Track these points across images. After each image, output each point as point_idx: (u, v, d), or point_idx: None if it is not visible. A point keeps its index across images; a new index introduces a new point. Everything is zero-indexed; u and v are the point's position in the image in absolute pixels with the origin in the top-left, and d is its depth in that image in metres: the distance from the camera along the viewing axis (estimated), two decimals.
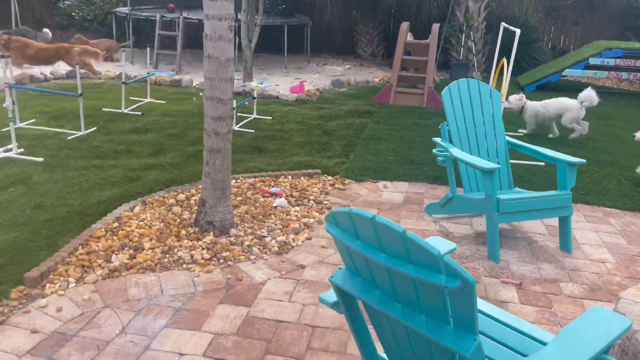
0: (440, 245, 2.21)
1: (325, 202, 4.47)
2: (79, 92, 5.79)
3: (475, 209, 3.83)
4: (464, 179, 4.07)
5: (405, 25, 8.81)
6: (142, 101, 7.54)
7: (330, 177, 5.07)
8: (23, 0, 14.75)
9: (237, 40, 10.15)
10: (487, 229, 3.60)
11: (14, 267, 3.13)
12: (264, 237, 3.77)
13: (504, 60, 5.86)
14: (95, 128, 6.13)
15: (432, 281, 1.41)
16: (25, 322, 2.69)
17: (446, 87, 4.20)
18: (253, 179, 4.81)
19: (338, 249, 1.75)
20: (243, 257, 3.49)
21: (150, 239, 3.58)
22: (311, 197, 4.53)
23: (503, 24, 6.33)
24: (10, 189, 4.26)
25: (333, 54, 13.75)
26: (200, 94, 8.57)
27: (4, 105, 5.04)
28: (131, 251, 3.43)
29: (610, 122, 7.94)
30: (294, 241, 3.75)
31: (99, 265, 3.25)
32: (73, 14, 13.31)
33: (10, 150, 5.05)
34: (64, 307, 2.83)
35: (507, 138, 4.24)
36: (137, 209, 4.02)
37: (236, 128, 6.50)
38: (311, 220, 4.09)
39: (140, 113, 6.96)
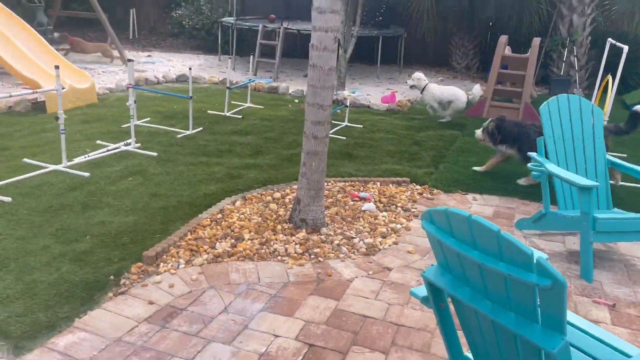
0: None
1: (412, 209, 4.57)
2: (190, 94, 6.32)
3: (569, 227, 3.77)
4: (558, 195, 4.01)
5: (503, 38, 8.68)
6: (242, 105, 8.03)
7: (418, 186, 5.16)
8: (141, 10, 16.13)
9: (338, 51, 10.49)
10: (581, 248, 3.54)
11: (134, 246, 3.54)
12: (353, 238, 3.95)
13: (609, 77, 5.66)
14: (201, 128, 6.63)
15: (523, 279, 1.51)
16: (143, 294, 3.05)
17: (545, 102, 4.17)
18: (343, 183, 5.02)
19: (432, 245, 1.89)
20: (332, 254, 3.69)
21: (250, 231, 3.88)
22: (399, 204, 4.64)
23: (610, 40, 6.10)
24: (130, 178, 4.76)
25: (426, 66, 13.72)
26: (296, 100, 8.96)
27: (127, 104, 5.62)
28: (233, 240, 3.74)
29: None
30: (381, 244, 3.90)
31: (205, 251, 3.58)
32: (183, 22, 14.31)
33: (129, 144, 5.62)
34: (176, 285, 3.17)
35: (608, 157, 4.12)
36: (238, 204, 4.36)
37: (330, 135, 6.75)
38: (398, 226, 4.21)
39: (240, 116, 7.43)
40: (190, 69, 6.46)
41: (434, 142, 6.79)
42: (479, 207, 4.78)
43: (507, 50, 8.94)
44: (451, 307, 2.02)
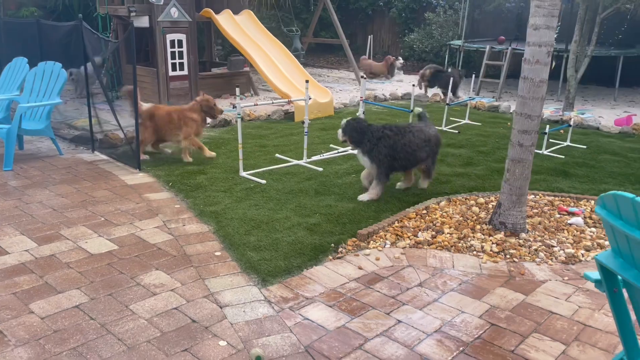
0: None
1: None
2: (411, 108, 6.97)
3: None
4: None
5: None
6: (460, 122, 8.39)
7: None
8: (377, 36, 17.61)
9: (563, 69, 10.10)
10: None
11: (351, 225, 4.26)
12: (553, 246, 4.04)
13: None
14: None
15: None
16: (354, 261, 3.73)
17: None
18: (552, 197, 5.04)
19: (605, 229, 2.09)
20: (529, 258, 3.87)
21: (450, 227, 4.29)
22: None
23: None
24: (353, 175, 5.58)
25: None
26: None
27: (357, 114, 6.52)
28: (433, 232, 4.20)
29: None
30: (582, 256, 3.91)
31: (408, 237, 4.12)
32: (414, 46, 15.22)
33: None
34: (381, 259, 3.77)
35: None
36: (442, 204, 4.80)
37: (546, 152, 6.70)
38: (607, 242, 4.13)
39: (457, 131, 7.81)
40: (414, 86, 7.11)
41: None
42: None
43: None
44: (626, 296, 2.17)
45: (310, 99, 6.43)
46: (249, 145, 6.77)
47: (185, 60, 9.27)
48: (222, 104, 9.58)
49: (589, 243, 4.10)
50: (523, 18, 13.64)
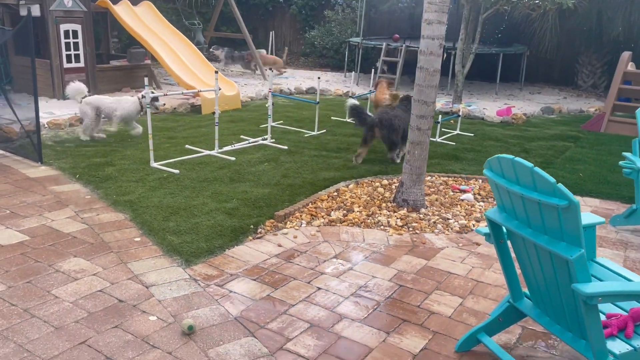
0: (590, 218, 2.76)
1: None
2: (317, 100, 7.28)
3: None
4: None
5: (626, 54, 8.61)
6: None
7: None
8: (279, 31, 17.85)
9: (451, 65, 10.98)
10: None
11: (267, 209, 4.46)
12: (448, 219, 4.53)
13: None
14: (325, 130, 7.56)
15: (549, 202, 2.08)
16: (273, 240, 3.94)
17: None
18: (446, 178, 5.58)
19: (491, 188, 2.48)
20: (428, 229, 4.31)
21: (359, 206, 4.63)
22: None
23: None
24: (265, 164, 5.77)
25: (550, 84, 13.60)
26: None
27: (266, 105, 6.71)
28: (344, 211, 4.52)
29: None
30: (474, 226, 4.42)
31: (322, 216, 4.40)
32: (315, 42, 15.65)
33: (266, 139, 6.69)
34: (298, 237, 4.02)
35: None
36: (351, 186, 5.15)
37: (439, 140, 7.32)
38: None
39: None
40: (319, 78, 7.43)
41: (543, 151, 7.04)
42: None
43: (631, 67, 8.81)
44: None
45: (220, 89, 6.51)
46: (158, 137, 6.71)
47: (81, 52, 8.89)
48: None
49: (478, 215, 4.64)
50: (415, 17, 14.58)
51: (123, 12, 9.18)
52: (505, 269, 2.66)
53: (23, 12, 8.18)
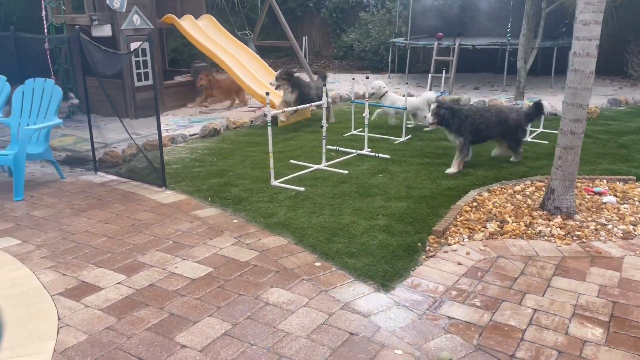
0: None
1: None
2: (405, 106, 7.16)
3: None
4: None
5: None
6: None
7: None
8: (308, 36, 17.74)
9: (506, 62, 10.80)
10: None
11: (419, 224, 4.33)
12: (605, 225, 4.38)
13: None
14: (410, 136, 7.43)
15: None
16: (448, 258, 3.81)
17: None
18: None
19: None
20: (593, 237, 4.17)
21: (510, 216, 4.50)
22: (636, 198, 4.96)
23: None
24: (380, 175, 5.65)
25: (597, 75, 13.41)
26: None
27: (363, 114, 6.59)
28: (498, 222, 4.39)
29: None
30: (634, 230, 4.28)
31: (479, 230, 4.27)
32: (354, 45, 15.53)
33: (362, 150, 6.56)
34: (470, 253, 3.89)
35: None
36: (485, 195, 5.02)
37: (529, 139, 7.19)
38: None
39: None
40: (407, 83, 7.29)
41: None
42: None
43: None
44: None
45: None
46: (256, 152, 6.61)
47: (149, 70, 8.80)
48: (188, 112, 9.23)
49: (632, 218, 4.50)
50: (461, 15, 14.44)
51: (189, 27, 9.08)
52: None
53: (95, 32, 8.09)
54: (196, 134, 7.42)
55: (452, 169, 5.73)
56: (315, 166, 5.93)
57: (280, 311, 3.07)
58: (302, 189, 5.17)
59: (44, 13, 8.12)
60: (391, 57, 13.89)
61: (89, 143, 6.84)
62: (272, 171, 5.36)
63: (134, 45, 8.49)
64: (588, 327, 2.97)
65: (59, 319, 2.92)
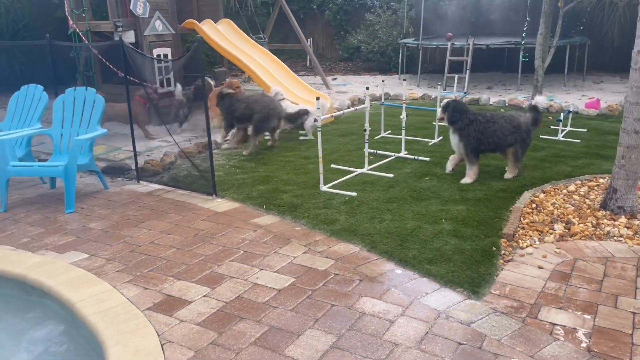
0: None
1: None
2: (437, 107, 7.12)
3: None
4: None
5: None
6: None
7: None
8: (311, 38, 17.67)
9: (520, 60, 10.80)
10: None
11: (485, 228, 4.29)
12: None
13: None
14: (441, 137, 7.40)
15: None
16: (527, 261, 3.76)
17: None
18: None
19: None
20: None
21: (574, 217, 4.47)
22: None
23: None
24: (427, 178, 5.60)
25: (609, 73, 13.50)
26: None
27: (400, 117, 6.53)
28: (564, 224, 4.35)
29: None
30: None
31: (547, 232, 4.23)
32: (362, 46, 15.49)
33: (399, 152, 6.51)
34: (547, 255, 3.84)
35: None
36: (541, 196, 4.98)
37: (562, 138, 7.19)
38: None
39: None
40: (439, 85, 7.26)
41: None
42: None
43: None
44: None
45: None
46: (293, 157, 6.54)
47: (172, 76, 8.69)
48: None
49: None
50: (474, 15, 14.48)
51: (210, 31, 8.98)
52: None
53: (118, 38, 7.96)
54: (227, 140, 7.33)
55: (467, 179, 5.41)
56: (359, 170, 5.87)
57: (380, 321, 3.00)
58: (354, 194, 5.11)
59: (70, 22, 7.98)
60: (400, 58, 13.87)
61: (121, 152, 6.74)
62: (321, 177, 5.29)
63: (155, 52, 8.39)
64: None
65: (158, 335, 2.82)
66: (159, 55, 8.42)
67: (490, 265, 3.67)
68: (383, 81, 7.61)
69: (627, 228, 4.28)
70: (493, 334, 2.89)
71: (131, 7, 7.85)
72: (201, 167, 5.63)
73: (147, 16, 8.09)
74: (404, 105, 6.56)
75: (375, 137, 7.47)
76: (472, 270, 3.59)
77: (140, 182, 5.66)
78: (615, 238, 4.15)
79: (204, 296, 3.27)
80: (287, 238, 4.15)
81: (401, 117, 6.54)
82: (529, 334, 2.90)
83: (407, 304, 3.20)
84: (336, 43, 17.46)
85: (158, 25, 8.33)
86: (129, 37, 8.04)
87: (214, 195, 5.12)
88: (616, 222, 4.37)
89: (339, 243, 4.05)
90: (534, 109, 5.63)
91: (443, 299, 3.26)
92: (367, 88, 6.08)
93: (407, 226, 4.33)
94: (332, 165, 6.09)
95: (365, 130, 5.85)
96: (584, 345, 2.80)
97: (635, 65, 4.27)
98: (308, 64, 16.88)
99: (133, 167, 5.82)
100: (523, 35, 11.29)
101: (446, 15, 14.60)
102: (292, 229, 4.33)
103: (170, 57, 8.60)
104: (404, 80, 7.10)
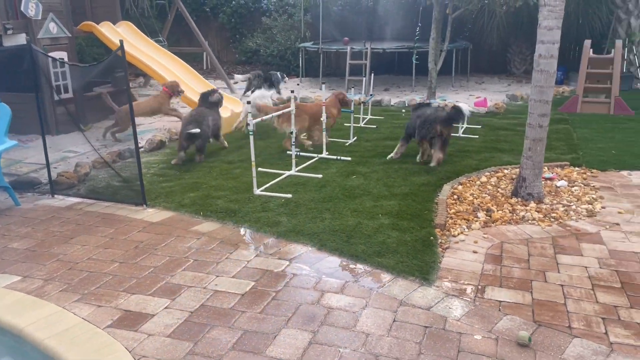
0: None
1: (593, 184, 5.59)
2: (352, 109, 7.43)
3: None
4: None
5: (588, 42, 9.78)
6: (365, 118, 9.09)
7: (577, 168, 6.17)
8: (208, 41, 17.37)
9: (413, 64, 11.53)
10: None
11: (419, 220, 4.58)
12: (569, 205, 4.98)
13: None
14: (356, 137, 7.71)
15: None
16: (462, 247, 4.10)
17: None
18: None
19: None
20: (566, 218, 4.72)
21: (492, 205, 4.92)
22: (579, 180, 5.67)
23: None
24: (354, 176, 5.82)
25: (488, 74, 14.82)
26: (403, 110, 10.05)
27: (321, 119, 6.71)
28: (485, 212, 4.79)
29: None
30: (594, 208, 4.91)
31: (473, 220, 4.62)
32: (261, 50, 15.52)
33: (321, 154, 6.69)
34: (478, 241, 4.21)
35: None
36: (460, 188, 5.41)
37: (462, 135, 7.83)
38: (593, 195, 5.24)
39: (375, 126, 8.52)
40: (354, 87, 7.53)
41: (555, 135, 7.80)
42: (638, 179, 5.77)
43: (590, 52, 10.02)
44: None
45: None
46: (217, 162, 6.45)
47: (69, 81, 8.12)
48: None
49: (586, 198, 5.15)
50: (368, 21, 15.08)
51: (109, 34, 8.51)
52: None
53: (8, 42, 7.28)
54: (141, 148, 7.01)
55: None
56: (288, 172, 5.95)
57: (348, 314, 3.12)
58: (290, 195, 5.18)
59: None
60: (301, 61, 14.14)
61: (23, 164, 6.20)
62: (254, 180, 5.29)
63: (52, 55, 7.78)
64: (610, 294, 3.41)
65: (129, 351, 2.69)
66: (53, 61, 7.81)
67: (432, 253, 3.95)
68: (298, 84, 7.76)
69: (538, 212, 4.80)
70: (452, 315, 3.13)
71: (22, 8, 7.23)
72: (121, 176, 5.35)
73: (39, 18, 7.49)
74: (324, 108, 6.74)
75: (294, 140, 7.57)
76: (418, 259, 3.84)
77: (55, 196, 5.26)
78: (529, 221, 4.65)
79: (165, 308, 3.17)
80: (234, 243, 4.12)
81: (322, 119, 6.72)
82: (482, 312, 3.18)
83: (368, 295, 3.35)
84: (232, 46, 17.32)
85: (52, 27, 7.74)
86: (20, 40, 7.38)
87: (144, 206, 4.92)
88: (528, 207, 4.89)
89: (288, 244, 4.10)
90: (456, 108, 6.23)
91: (399, 288, 3.45)
92: (292, 91, 6.16)
93: (348, 223, 4.49)
94: (260, 169, 6.09)
95: (291, 133, 5.94)
96: (529, 316, 3.13)
97: (537, 67, 4.80)
98: (205, 67, 16.56)
99: (44, 180, 5.39)
100: (416, 39, 12.05)
101: (343, 20, 15.12)
102: (237, 234, 4.31)
103: (66, 60, 8.02)
104: (298, 84, 7.32)
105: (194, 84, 8.80)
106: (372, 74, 9.89)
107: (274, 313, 3.12)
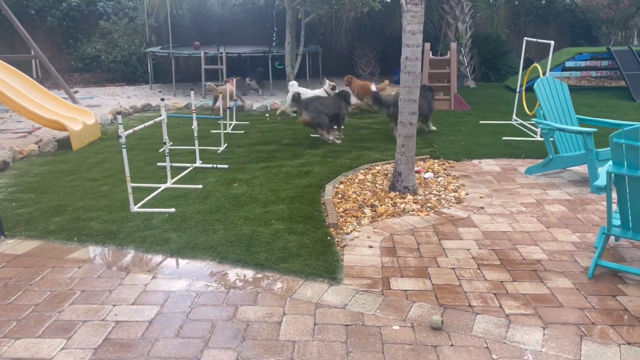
0: None
1: (453, 174, 6.18)
2: (221, 115, 7.25)
3: (575, 162, 5.68)
4: (559, 144, 5.93)
5: (427, 45, 10.77)
6: (231, 123, 8.97)
7: (436, 160, 6.78)
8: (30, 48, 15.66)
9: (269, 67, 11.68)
10: (589, 170, 5.43)
11: (311, 221, 4.63)
12: (440, 194, 5.44)
13: (536, 64, 7.87)
14: (227, 144, 7.56)
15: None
16: (359, 244, 4.24)
17: (536, 83, 6.08)
18: (387, 165, 6.46)
19: (615, 152, 3.44)
20: (439, 206, 5.15)
21: (375, 200, 5.17)
22: (441, 171, 6.23)
23: (536, 40, 8.35)
24: (235, 184, 5.70)
25: (338, 76, 15.52)
26: (267, 114, 10.11)
27: (192, 127, 6.43)
28: (370, 207, 5.01)
29: (598, 109, 10.16)
30: (460, 195, 5.43)
31: (361, 216, 4.81)
32: (102, 56, 14.40)
33: (195, 163, 6.44)
34: (371, 236, 4.39)
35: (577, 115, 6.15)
36: (341, 187, 5.59)
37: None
38: (456, 183, 5.79)
39: (243, 131, 8.45)
40: (243, 94, 7.35)
41: None
42: (488, 167, 6.52)
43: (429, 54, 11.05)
44: None
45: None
46: (78, 180, 5.85)
47: None
48: None
49: (452, 186, 5.67)
50: (216, 25, 14.77)
51: None
52: (622, 208, 3.63)
53: None
54: None
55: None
56: (164, 185, 5.60)
57: (268, 325, 3.03)
58: (173, 209, 4.89)
59: None
60: (149, 67, 13.43)
61: None
62: (131, 197, 4.89)
63: None
64: (494, 271, 3.79)
65: None
66: None
67: (333, 253, 4.02)
68: (160, 91, 7.33)
69: (415, 203, 5.16)
70: (367, 310, 3.22)
71: None
72: None
73: None
74: (194, 115, 6.48)
75: (160, 150, 7.18)
76: (321, 260, 3.88)
77: None
78: (410, 213, 4.97)
79: (62, 349, 2.77)
80: (124, 268, 3.77)
81: (192, 127, 6.45)
82: (392, 303, 3.32)
83: (283, 303, 3.30)
84: (66, 52, 15.83)
85: None
86: None
87: (2, 237, 4.26)
88: (406, 200, 5.23)
89: (185, 261, 3.87)
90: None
91: (312, 291, 3.46)
92: (163, 99, 5.80)
93: (243, 232, 4.38)
94: (132, 184, 5.64)
95: (165, 143, 5.61)
96: (434, 301, 3.35)
97: (404, 68, 5.15)
98: (35, 76, 14.88)
99: None
100: (273, 44, 12.17)
101: (192, 25, 14.68)
102: (125, 257, 3.95)
103: None
104: (160, 91, 7.01)
105: (34, 95, 7.85)
106: (235, 79, 9.75)
107: (190, 336, 2.92)
